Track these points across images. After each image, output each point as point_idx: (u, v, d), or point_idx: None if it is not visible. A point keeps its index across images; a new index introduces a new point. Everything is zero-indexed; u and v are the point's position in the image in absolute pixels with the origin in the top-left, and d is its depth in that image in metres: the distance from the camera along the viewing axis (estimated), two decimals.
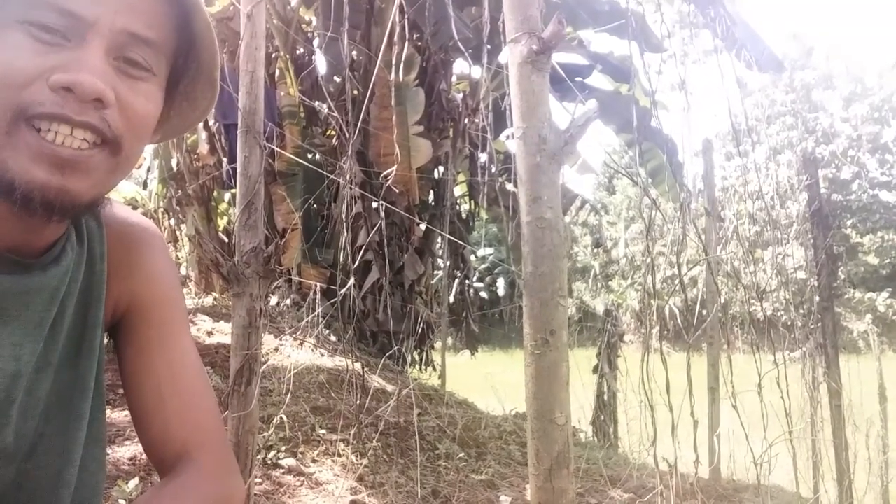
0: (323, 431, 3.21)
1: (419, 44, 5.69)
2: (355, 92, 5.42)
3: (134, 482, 2.40)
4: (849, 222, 22.62)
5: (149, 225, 0.77)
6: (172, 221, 7.73)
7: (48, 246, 0.63)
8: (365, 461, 2.99)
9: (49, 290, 0.63)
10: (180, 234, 7.77)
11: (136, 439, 2.76)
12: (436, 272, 6.90)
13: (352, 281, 1.94)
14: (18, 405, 0.61)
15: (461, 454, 3.52)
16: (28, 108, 0.52)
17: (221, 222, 7.58)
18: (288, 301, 5.34)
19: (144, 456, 2.61)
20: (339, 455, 3.06)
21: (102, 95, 0.54)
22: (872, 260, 22.36)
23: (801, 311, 4.24)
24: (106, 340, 0.74)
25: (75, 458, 0.66)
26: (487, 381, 5.05)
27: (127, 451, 2.67)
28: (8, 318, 0.60)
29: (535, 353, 0.82)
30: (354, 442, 3.06)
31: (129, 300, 0.73)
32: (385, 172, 1.97)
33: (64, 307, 0.65)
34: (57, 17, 0.53)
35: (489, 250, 18.86)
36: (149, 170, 7.61)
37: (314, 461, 2.98)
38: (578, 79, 5.91)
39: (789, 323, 4.17)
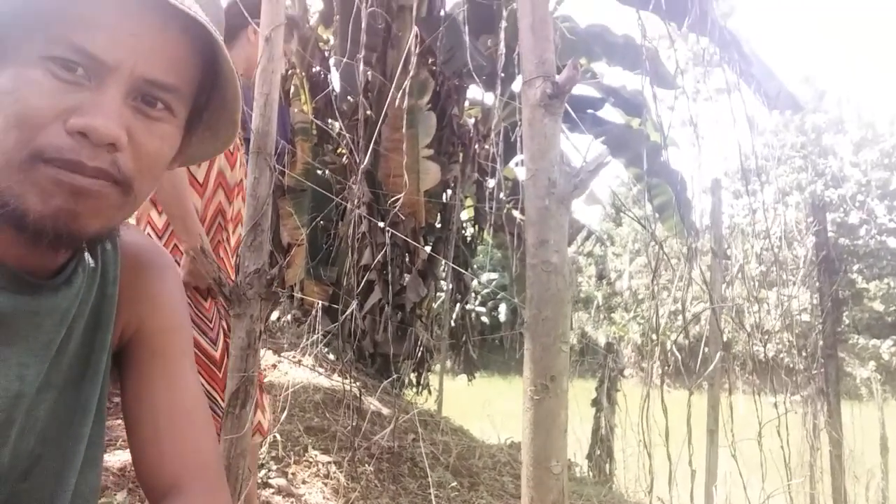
0: (315, 452, 3.18)
1: (434, 68, 5.74)
2: (368, 112, 5.46)
3: (122, 495, 2.37)
4: (855, 267, 22.52)
5: (163, 252, 0.78)
6: None
7: (60, 266, 0.63)
8: (356, 486, 2.95)
9: (59, 312, 0.63)
10: None
11: (127, 449, 2.74)
12: (438, 295, 6.87)
13: (354, 304, 1.93)
14: (18, 426, 0.60)
15: (453, 483, 3.48)
16: (45, 151, 0.53)
17: None
18: (289, 317, 5.32)
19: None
20: (330, 477, 3.02)
21: (116, 140, 0.54)
22: (878, 306, 22.20)
23: (804, 355, 4.21)
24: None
25: (70, 481, 0.66)
26: (485, 408, 5.00)
27: (117, 460, 2.64)
28: (17, 337, 0.59)
29: (535, 399, 0.81)
30: (347, 465, 3.02)
31: (137, 326, 0.73)
32: (393, 199, 1.97)
33: (72, 328, 0.65)
34: (78, 56, 0.53)
35: (493, 275, 18.83)
36: None
37: (304, 483, 2.95)
38: (590, 111, 5.95)
39: (792, 366, 4.14)
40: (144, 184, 0.59)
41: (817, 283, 4.56)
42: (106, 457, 2.68)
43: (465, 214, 6.99)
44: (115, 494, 2.35)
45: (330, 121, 6.02)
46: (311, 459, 3.12)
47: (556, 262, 0.82)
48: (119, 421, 2.89)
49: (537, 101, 0.86)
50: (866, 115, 24.67)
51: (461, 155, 6.11)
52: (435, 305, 6.55)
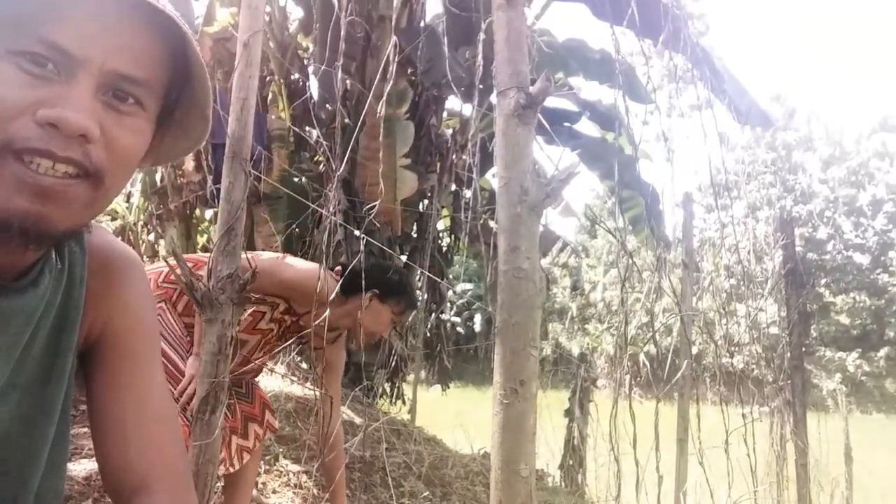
0: (286, 462, 3.15)
1: (413, 78, 5.76)
2: (346, 121, 5.45)
3: None
4: (822, 281, 23.03)
5: (131, 254, 0.77)
6: (152, 236, 7.64)
7: (26, 268, 0.62)
8: (327, 495, 2.93)
9: (25, 313, 0.62)
10: (159, 249, 7.67)
11: (93, 457, 2.68)
12: None
13: (327, 311, 1.93)
14: None
15: (426, 493, 3.47)
16: (14, 141, 0.52)
17: (201, 240, 7.51)
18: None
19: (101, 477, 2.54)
20: (301, 487, 2.99)
21: (87, 132, 0.54)
22: (844, 320, 22.73)
23: (772, 367, 4.29)
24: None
25: (32, 485, 0.65)
26: (458, 418, 4.99)
27: (82, 469, 2.59)
28: None
29: (504, 403, 0.82)
30: (317, 474, 2.99)
31: (104, 327, 0.73)
32: (369, 207, 1.98)
33: (37, 329, 0.64)
34: (47, 51, 0.53)
35: (468, 285, 18.86)
36: (132, 182, 7.54)
37: (275, 492, 2.92)
38: (566, 124, 6.02)
39: (760, 378, 4.21)
40: (116, 178, 0.59)
41: (785, 297, 4.65)
42: (71, 465, 2.62)
43: (442, 224, 7.00)
44: None
45: (307, 128, 6.00)
46: (281, 469, 3.09)
47: (527, 269, 0.84)
48: (85, 429, 2.83)
49: (511, 111, 0.88)
50: (834, 134, 25.30)
51: (438, 165, 6.13)
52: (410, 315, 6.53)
